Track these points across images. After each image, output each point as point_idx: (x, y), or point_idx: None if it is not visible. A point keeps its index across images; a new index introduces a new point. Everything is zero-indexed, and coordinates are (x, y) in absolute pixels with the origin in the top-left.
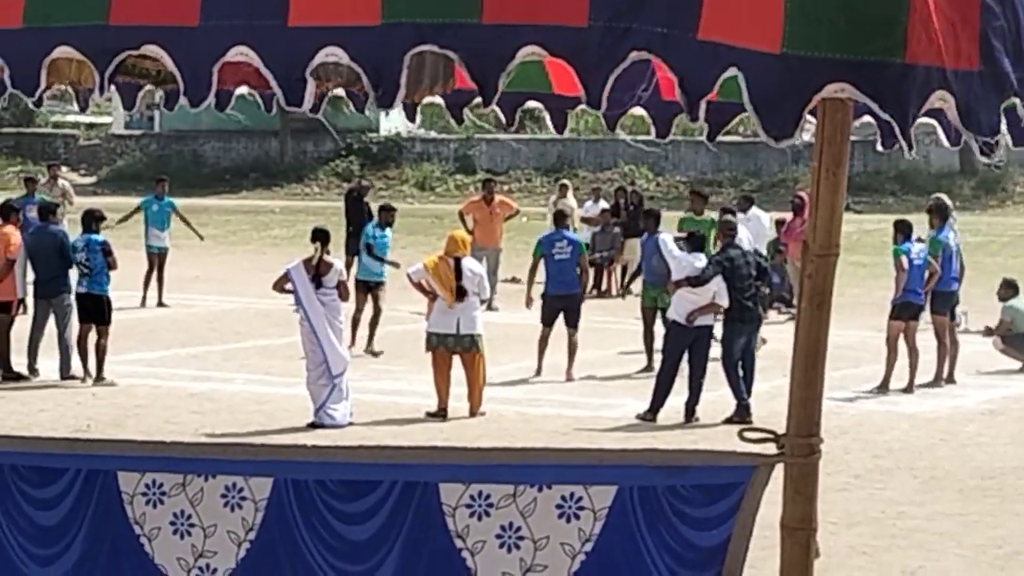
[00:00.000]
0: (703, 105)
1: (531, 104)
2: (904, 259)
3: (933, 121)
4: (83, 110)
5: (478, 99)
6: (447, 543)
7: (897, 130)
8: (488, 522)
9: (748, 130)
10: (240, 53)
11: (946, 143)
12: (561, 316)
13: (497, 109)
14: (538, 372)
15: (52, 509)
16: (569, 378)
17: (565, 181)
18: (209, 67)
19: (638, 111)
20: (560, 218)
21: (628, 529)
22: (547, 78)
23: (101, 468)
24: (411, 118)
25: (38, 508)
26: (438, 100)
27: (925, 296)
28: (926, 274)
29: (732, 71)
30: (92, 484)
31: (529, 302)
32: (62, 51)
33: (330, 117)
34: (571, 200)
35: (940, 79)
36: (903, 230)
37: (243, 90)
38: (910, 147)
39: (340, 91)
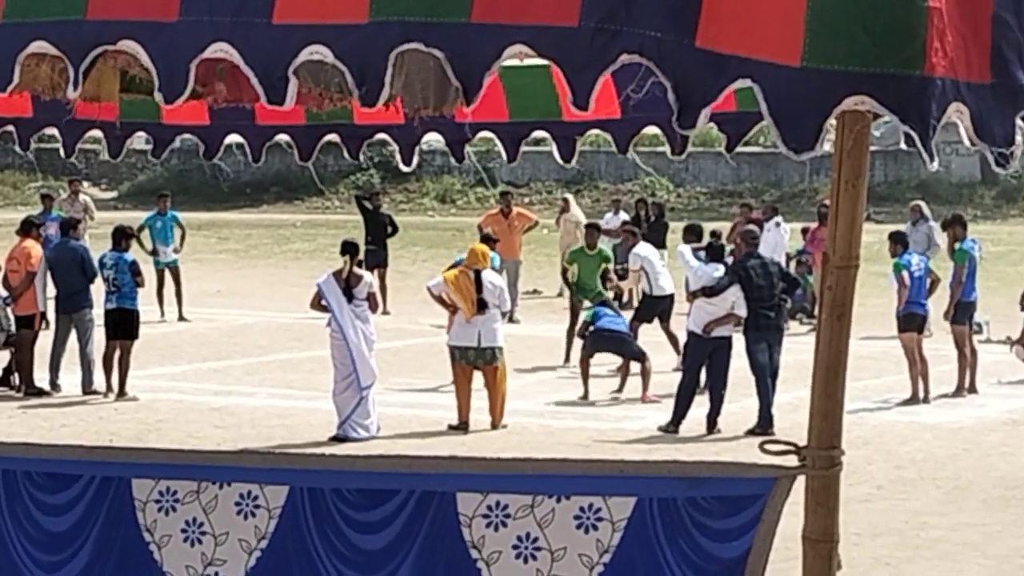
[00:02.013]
0: (703, 113)
1: (537, 135)
2: (906, 274)
3: (956, 121)
4: (68, 156)
5: (481, 135)
6: (462, 553)
7: (918, 142)
8: (505, 532)
9: (768, 141)
10: (220, 50)
11: (967, 142)
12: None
13: (499, 145)
14: (585, 396)
15: (62, 515)
16: (645, 400)
17: (567, 195)
18: (186, 63)
19: (652, 130)
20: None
21: (647, 540)
22: (558, 104)
23: (115, 475)
24: (407, 162)
25: (48, 514)
26: (439, 138)
27: (950, 307)
28: (928, 283)
29: (743, 82)
30: (105, 490)
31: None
32: (37, 46)
33: None
34: (575, 212)
35: (955, 91)
36: (901, 241)
37: (232, 138)
38: (931, 158)
39: (335, 137)
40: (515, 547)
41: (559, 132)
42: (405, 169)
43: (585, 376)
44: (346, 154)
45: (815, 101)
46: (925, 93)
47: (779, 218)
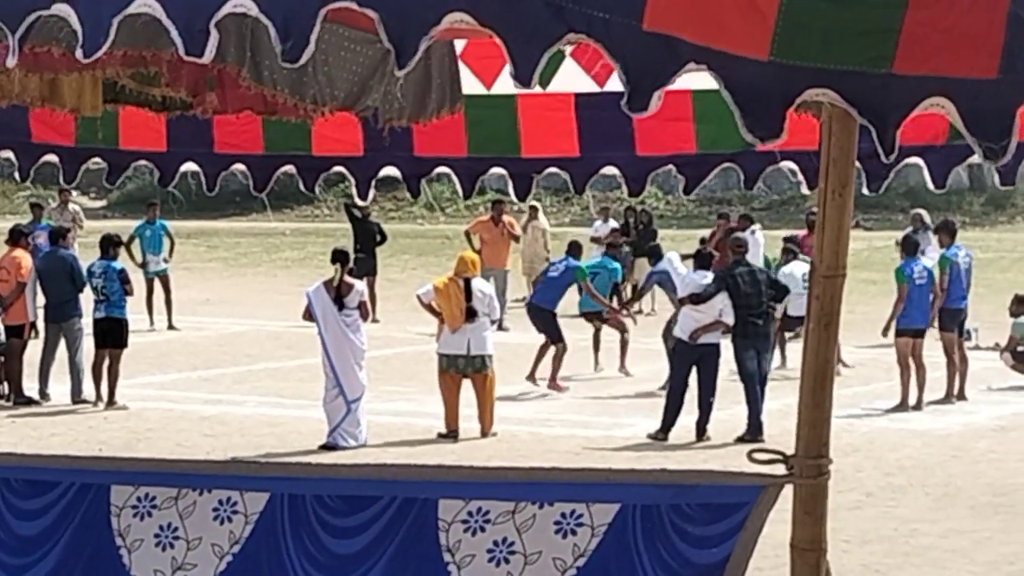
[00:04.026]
0: (655, 96)
1: (495, 171)
2: (905, 287)
3: (920, 161)
4: (24, 180)
5: (437, 170)
6: (435, 557)
7: (875, 135)
8: (482, 537)
9: None
10: (144, 5)
11: (931, 185)
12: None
13: (456, 180)
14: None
15: (35, 520)
16: (552, 386)
17: (535, 203)
18: (109, 19)
19: (610, 170)
20: (574, 247)
21: (625, 545)
22: (517, 139)
23: (95, 482)
24: (363, 196)
25: (21, 519)
26: (396, 173)
27: (932, 314)
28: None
29: (697, 68)
30: (82, 497)
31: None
32: None
33: None
34: (542, 221)
35: (937, 86)
36: (906, 247)
37: (188, 167)
38: (887, 153)
39: (291, 168)
40: (489, 551)
41: (516, 169)
42: (362, 203)
43: (536, 358)
44: (301, 186)
45: (779, 90)
46: (887, 90)
47: (755, 226)
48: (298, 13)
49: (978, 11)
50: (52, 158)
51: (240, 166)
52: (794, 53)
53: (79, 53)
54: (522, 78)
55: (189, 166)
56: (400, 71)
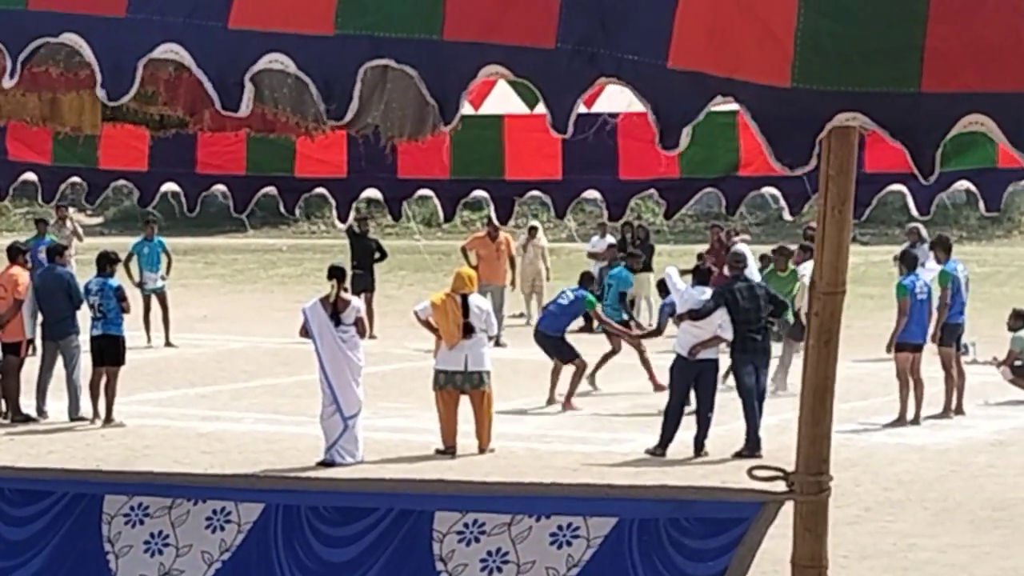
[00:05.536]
0: (684, 132)
1: (477, 194)
2: (907, 301)
3: (903, 188)
4: (2, 199)
5: (419, 192)
6: (428, 566)
7: (909, 157)
8: (476, 548)
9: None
10: (170, 51)
11: (915, 212)
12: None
13: (437, 203)
14: (548, 402)
15: (25, 526)
16: (566, 407)
17: (535, 223)
18: (133, 62)
19: (591, 194)
20: (585, 279)
21: (620, 557)
22: (501, 161)
23: (89, 492)
24: (343, 218)
25: (10, 524)
26: (377, 195)
27: (936, 329)
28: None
29: (724, 100)
30: (75, 505)
31: None
32: None
33: None
34: (542, 240)
35: (971, 103)
36: (906, 261)
37: (169, 187)
38: (925, 175)
39: (272, 189)
40: (482, 560)
41: (498, 192)
42: (342, 225)
43: (552, 381)
44: (282, 208)
45: (806, 117)
46: (918, 110)
47: (737, 237)
48: (338, 71)
49: (1001, 21)
50: (31, 176)
51: (221, 187)
52: (816, 78)
53: (101, 93)
54: (559, 126)
55: (170, 186)
56: (446, 127)
